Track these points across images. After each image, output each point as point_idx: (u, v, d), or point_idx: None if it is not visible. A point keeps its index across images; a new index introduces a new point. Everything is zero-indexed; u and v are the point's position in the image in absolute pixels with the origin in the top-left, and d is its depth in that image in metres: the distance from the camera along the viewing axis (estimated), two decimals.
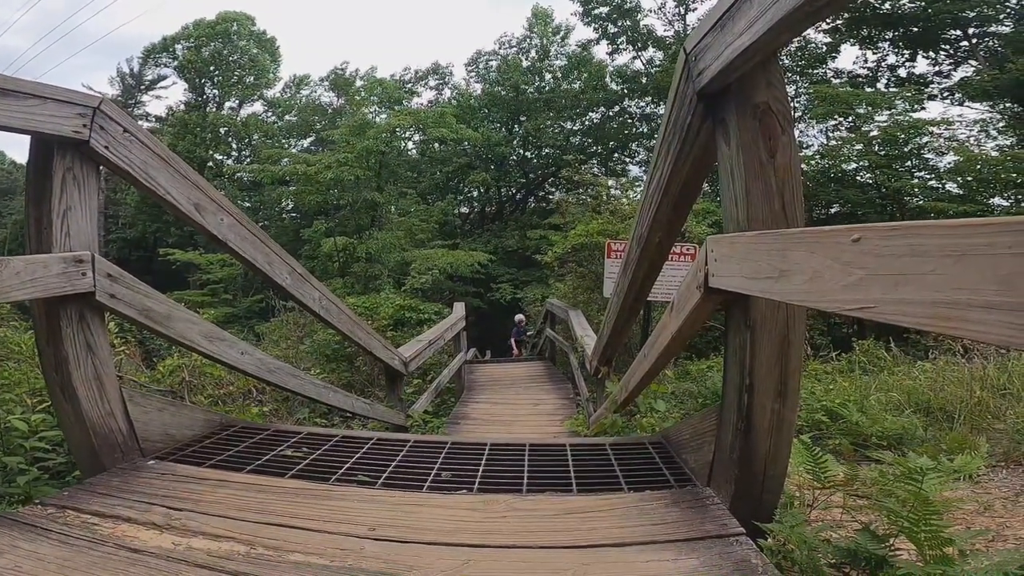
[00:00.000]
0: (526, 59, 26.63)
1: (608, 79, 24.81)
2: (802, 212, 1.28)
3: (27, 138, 1.60)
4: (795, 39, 15.66)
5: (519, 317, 14.86)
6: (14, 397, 2.70)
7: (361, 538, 1.37)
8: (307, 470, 1.82)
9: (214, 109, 29.38)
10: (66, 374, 1.70)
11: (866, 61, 17.93)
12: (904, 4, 15.78)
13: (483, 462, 1.90)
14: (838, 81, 17.64)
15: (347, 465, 1.86)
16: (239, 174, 26.40)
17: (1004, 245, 0.58)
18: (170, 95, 40.11)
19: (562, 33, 26.43)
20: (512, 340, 14.55)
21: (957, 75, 16.46)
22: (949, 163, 14.40)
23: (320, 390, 3.04)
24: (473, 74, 27.96)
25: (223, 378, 5.17)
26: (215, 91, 29.83)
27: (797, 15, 1.05)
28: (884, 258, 0.75)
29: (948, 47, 16.51)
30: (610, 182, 14.40)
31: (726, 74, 1.31)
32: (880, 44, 17.41)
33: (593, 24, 23.39)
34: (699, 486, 1.64)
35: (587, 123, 25.70)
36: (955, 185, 14.74)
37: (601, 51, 24.71)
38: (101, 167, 1.78)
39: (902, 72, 17.49)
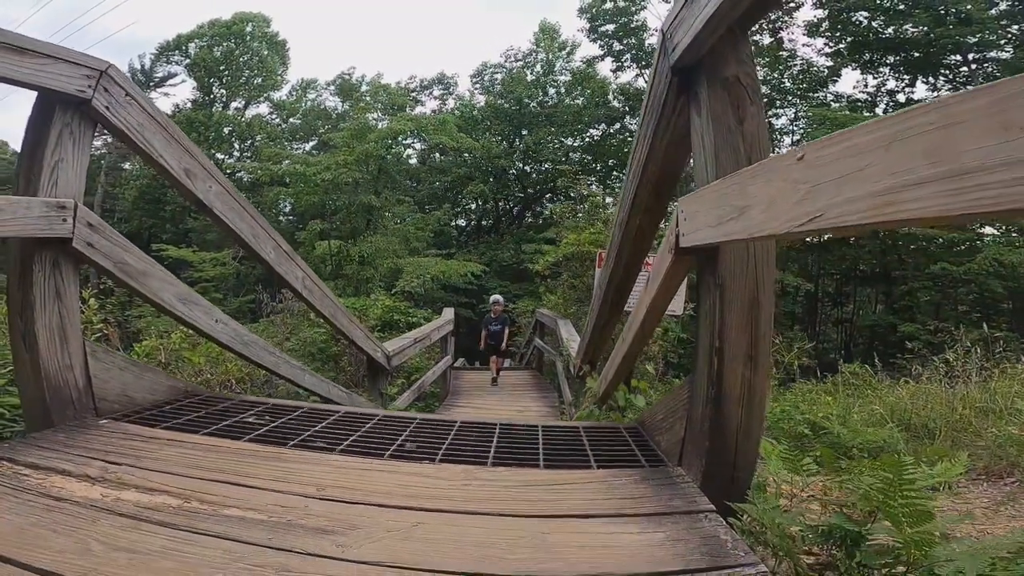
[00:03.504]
0: (531, 73, 26.86)
1: (611, 96, 25.03)
2: None
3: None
4: (762, 22, 15.89)
5: (495, 298, 9.07)
6: None
7: (307, 497, 1.31)
8: (266, 435, 1.75)
9: (220, 108, 29.43)
10: (30, 320, 1.66)
11: (866, 86, 18.17)
12: (907, 29, 16.02)
13: (450, 437, 1.84)
14: (837, 105, 17.85)
15: (308, 433, 1.80)
16: (239, 173, 26.37)
17: (925, 124, 0.62)
18: (178, 93, 40.32)
19: (568, 49, 26.69)
20: (483, 332, 8.74)
21: None
22: None
23: (296, 371, 2.97)
24: (478, 86, 28.16)
25: (201, 366, 5.08)
26: (223, 91, 29.87)
27: None
28: (826, 166, 0.78)
29: (948, 72, 16.73)
30: (607, 200, 14.43)
31: (697, 46, 1.36)
32: (881, 68, 17.63)
33: (599, 41, 23.66)
34: (670, 466, 1.58)
35: (587, 139, 25.85)
36: None
37: (605, 68, 24.98)
38: (99, 126, 1.80)
39: (901, 97, 17.72)
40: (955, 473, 2.44)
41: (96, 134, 1.90)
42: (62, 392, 1.72)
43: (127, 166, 27.56)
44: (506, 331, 8.75)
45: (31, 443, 1.50)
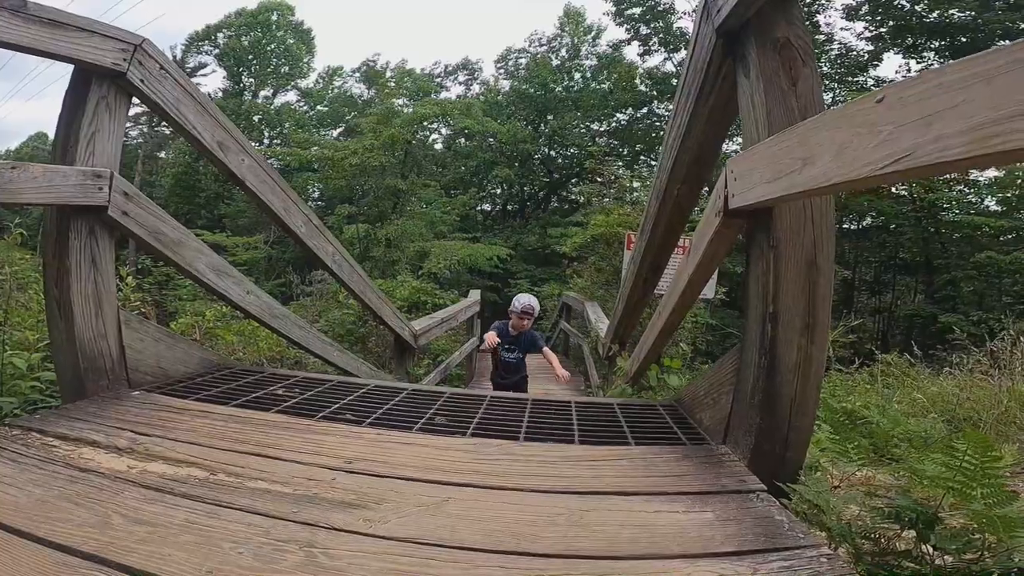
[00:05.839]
0: (556, 58, 26.45)
1: (638, 80, 24.48)
2: None
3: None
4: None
5: (526, 302, 4.15)
6: (22, 339, 2.69)
7: (334, 470, 1.27)
8: (295, 407, 1.72)
9: (250, 97, 29.83)
10: (65, 287, 1.66)
11: (909, 70, 17.31)
12: (953, 14, 15.21)
13: (481, 411, 1.79)
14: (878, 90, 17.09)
15: (337, 405, 1.76)
16: (269, 160, 26.66)
17: None
18: (209, 82, 40.75)
19: (593, 33, 26.19)
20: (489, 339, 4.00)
21: None
22: (990, 177, 13.89)
23: (325, 347, 2.96)
24: (502, 71, 27.90)
25: (233, 345, 5.15)
26: (251, 80, 30.27)
27: None
28: (911, 105, 0.74)
29: None
30: (635, 184, 14.15)
31: (744, 7, 1.31)
32: (925, 53, 16.80)
33: (625, 25, 23.05)
34: (713, 444, 1.50)
35: (614, 124, 25.39)
36: (994, 201, 14.20)
37: (632, 52, 24.41)
38: (134, 98, 1.81)
39: None
40: (1003, 463, 2.31)
41: (131, 124, 1.90)
42: (96, 362, 1.71)
43: (163, 155, 28.21)
44: (550, 355, 4.13)
45: (62, 414, 1.49)
